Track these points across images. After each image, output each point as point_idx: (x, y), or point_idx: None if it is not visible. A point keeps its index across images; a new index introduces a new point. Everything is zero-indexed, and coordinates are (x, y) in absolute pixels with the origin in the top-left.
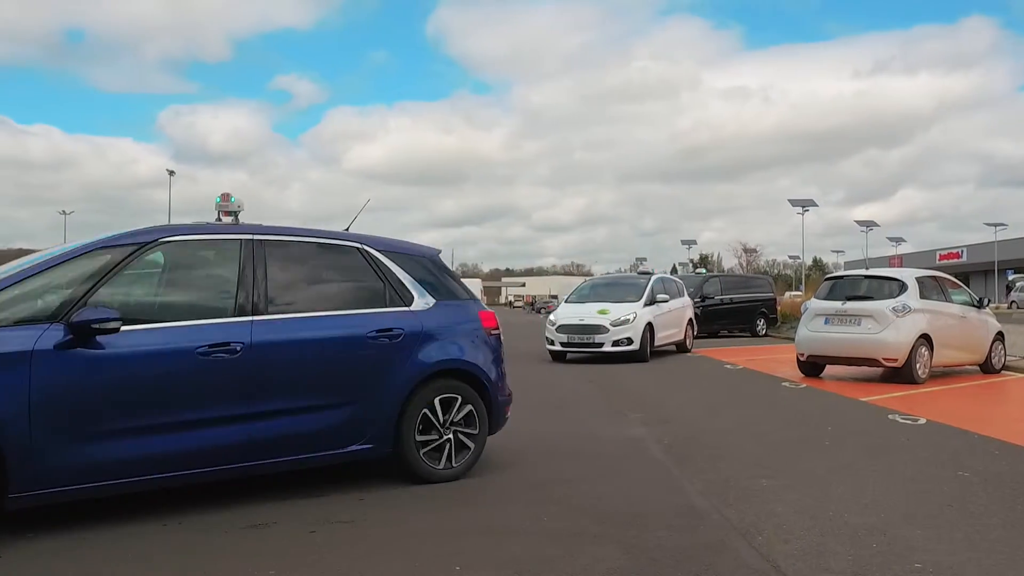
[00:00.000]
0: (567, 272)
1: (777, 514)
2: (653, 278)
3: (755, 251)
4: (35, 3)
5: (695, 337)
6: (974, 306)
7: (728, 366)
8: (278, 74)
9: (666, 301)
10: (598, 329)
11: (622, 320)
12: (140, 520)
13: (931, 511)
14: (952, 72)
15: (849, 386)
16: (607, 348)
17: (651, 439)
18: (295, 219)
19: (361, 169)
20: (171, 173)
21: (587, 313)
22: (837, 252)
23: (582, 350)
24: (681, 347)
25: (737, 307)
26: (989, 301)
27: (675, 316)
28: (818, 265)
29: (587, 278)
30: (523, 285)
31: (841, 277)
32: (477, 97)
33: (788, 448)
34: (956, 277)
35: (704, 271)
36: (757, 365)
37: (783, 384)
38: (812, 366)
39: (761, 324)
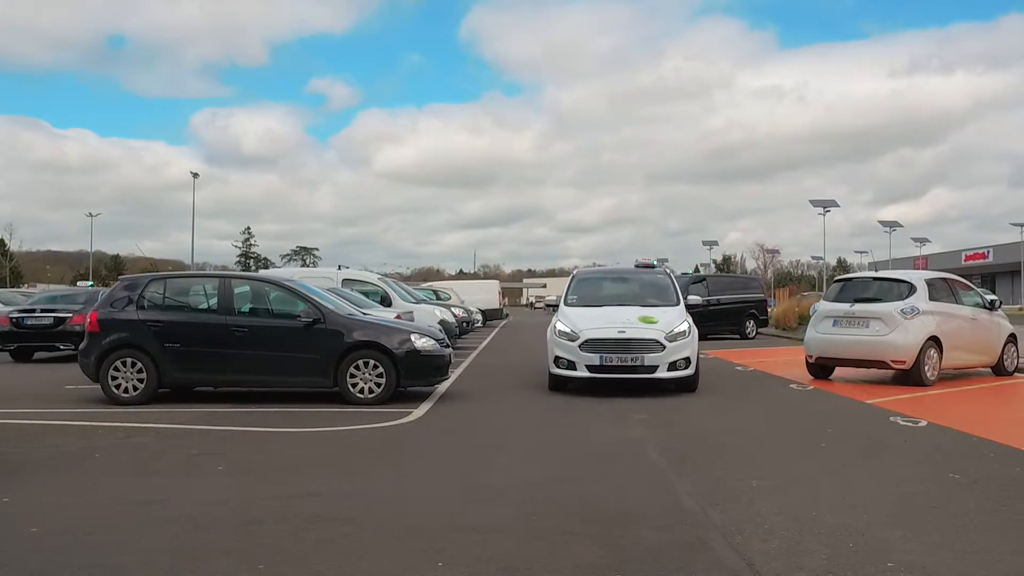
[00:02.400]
0: None
1: (761, 514)
2: (671, 275)
3: (776, 252)
4: (79, 11)
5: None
6: (986, 308)
7: (739, 368)
8: (314, 77)
9: (697, 305)
10: (649, 346)
11: (677, 332)
12: (138, 516)
13: (914, 512)
14: (989, 71)
15: (856, 388)
16: (662, 374)
17: (650, 440)
18: (324, 221)
19: (390, 171)
20: (195, 175)
21: (625, 322)
22: (861, 252)
23: (624, 376)
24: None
25: (725, 309)
26: (1001, 303)
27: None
28: (842, 265)
29: (576, 270)
30: (544, 286)
31: (850, 279)
32: (508, 99)
33: (784, 449)
34: (982, 278)
35: (691, 272)
36: (768, 367)
37: (791, 386)
38: (821, 368)
39: (751, 326)
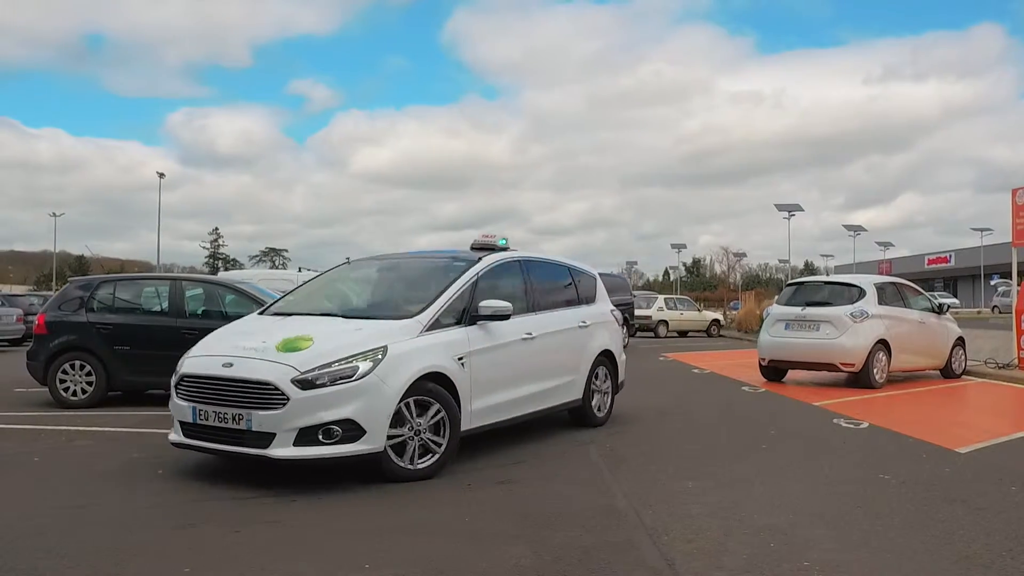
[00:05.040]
0: None
1: (691, 515)
2: (485, 262)
3: (743, 255)
4: (56, 9)
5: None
6: (934, 312)
7: (695, 370)
8: (295, 79)
9: (506, 316)
10: (258, 396)
11: (334, 372)
12: (66, 520)
13: (839, 512)
14: (960, 79)
15: (807, 391)
16: (282, 451)
17: (595, 442)
18: (298, 222)
19: (366, 172)
20: (161, 176)
21: (259, 346)
22: (826, 256)
23: (222, 448)
24: (583, 416)
25: None
26: (949, 307)
27: (564, 349)
28: (809, 269)
29: (349, 261)
30: None
31: (803, 283)
32: (486, 102)
33: (725, 451)
34: (944, 281)
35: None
36: (725, 370)
37: (743, 388)
38: (774, 371)
39: (623, 332)
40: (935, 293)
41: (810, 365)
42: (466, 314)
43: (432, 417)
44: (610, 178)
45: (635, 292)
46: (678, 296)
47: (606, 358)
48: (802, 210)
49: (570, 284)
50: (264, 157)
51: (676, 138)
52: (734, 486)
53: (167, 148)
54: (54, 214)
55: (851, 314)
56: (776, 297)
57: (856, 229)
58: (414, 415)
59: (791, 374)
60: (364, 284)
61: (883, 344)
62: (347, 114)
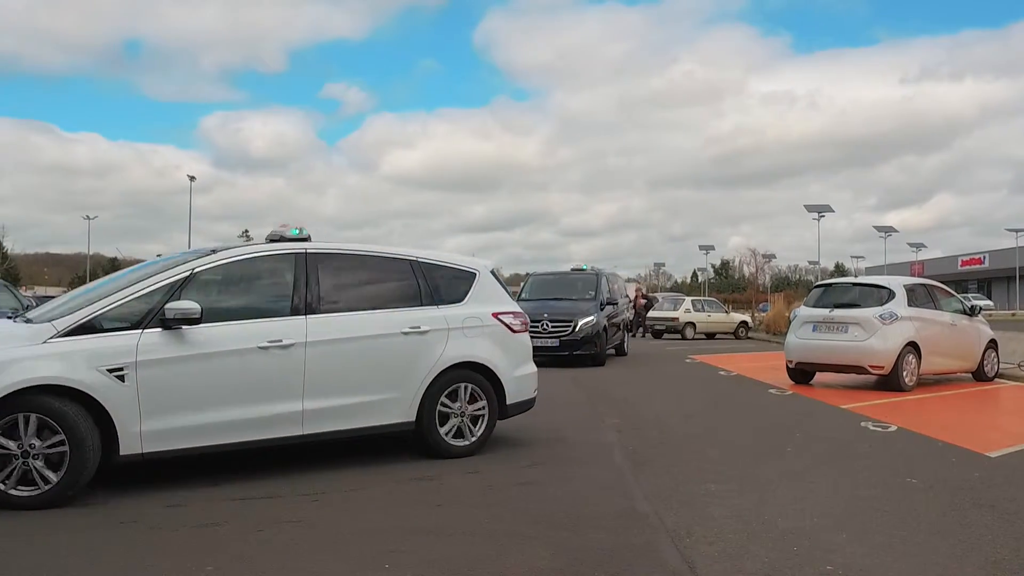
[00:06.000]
0: None
1: (713, 518)
2: (216, 256)
3: (772, 256)
4: (94, 15)
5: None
6: (966, 314)
7: (722, 372)
8: (328, 82)
9: (194, 319)
10: None
11: None
12: (90, 518)
13: (864, 516)
14: (998, 78)
15: (835, 393)
16: None
17: (619, 444)
18: (328, 224)
19: (397, 175)
20: (192, 178)
21: None
22: (857, 258)
23: None
24: (423, 443)
25: (622, 317)
26: (980, 310)
27: (367, 359)
28: (840, 270)
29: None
30: None
31: (830, 284)
32: (516, 104)
33: (749, 453)
34: (979, 283)
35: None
36: (752, 372)
37: (769, 391)
38: (801, 373)
39: (627, 339)
40: (969, 295)
41: (838, 367)
42: (152, 317)
43: (34, 436)
44: (639, 180)
45: (659, 294)
46: (706, 298)
47: (476, 372)
48: (832, 211)
49: (407, 281)
50: (297, 160)
51: (707, 139)
52: (757, 489)
53: (201, 152)
54: (87, 217)
55: (880, 316)
56: (804, 299)
57: (887, 230)
58: (21, 434)
59: (819, 376)
60: (107, 284)
61: (913, 346)
62: (379, 117)
